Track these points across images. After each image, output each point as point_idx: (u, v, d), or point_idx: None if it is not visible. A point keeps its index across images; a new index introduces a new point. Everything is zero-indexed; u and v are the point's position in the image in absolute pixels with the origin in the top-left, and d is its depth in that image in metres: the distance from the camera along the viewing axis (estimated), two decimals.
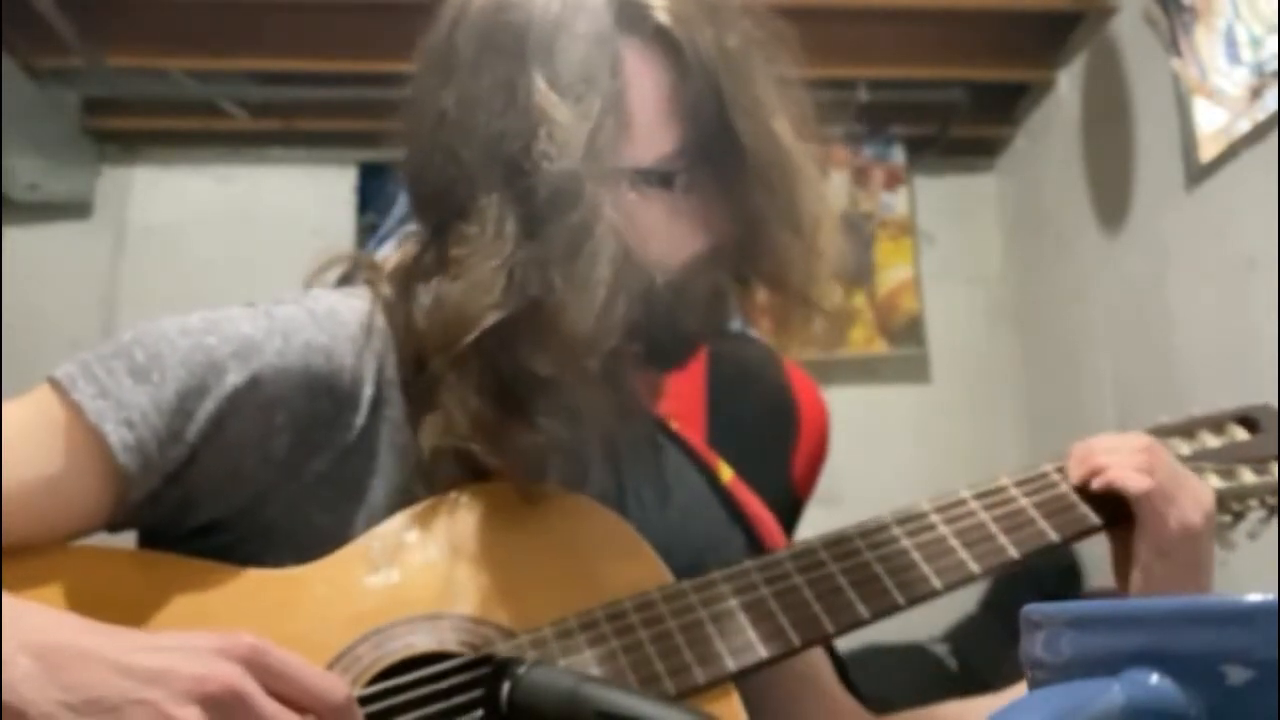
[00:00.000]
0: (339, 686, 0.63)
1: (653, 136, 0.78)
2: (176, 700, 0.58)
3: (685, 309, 0.80)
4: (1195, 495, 0.85)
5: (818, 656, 0.94)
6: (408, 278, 0.82)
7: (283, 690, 0.61)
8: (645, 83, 0.78)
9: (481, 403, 0.77)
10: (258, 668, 0.61)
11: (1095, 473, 0.86)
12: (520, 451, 0.78)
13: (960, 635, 2.82)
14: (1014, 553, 0.83)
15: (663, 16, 0.78)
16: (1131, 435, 0.90)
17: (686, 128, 0.78)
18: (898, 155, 3.36)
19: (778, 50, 0.81)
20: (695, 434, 1.18)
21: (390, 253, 0.88)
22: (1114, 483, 0.85)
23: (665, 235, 0.79)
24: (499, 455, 0.78)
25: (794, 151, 0.79)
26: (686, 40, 0.77)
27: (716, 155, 0.78)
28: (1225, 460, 0.93)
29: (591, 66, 0.76)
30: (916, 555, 0.82)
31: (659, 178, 0.78)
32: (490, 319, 0.74)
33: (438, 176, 0.81)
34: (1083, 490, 0.87)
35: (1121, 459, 0.86)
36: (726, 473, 1.05)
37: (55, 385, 0.74)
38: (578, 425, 0.79)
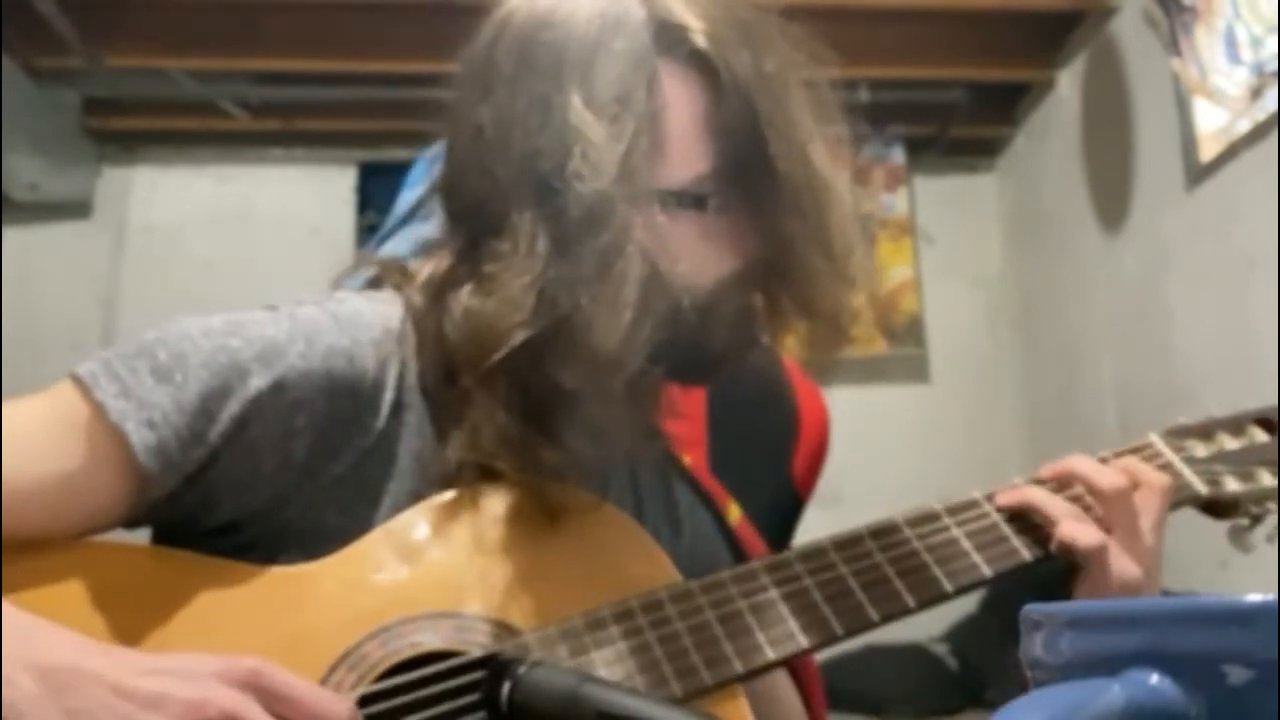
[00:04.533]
0: (341, 706, 0.64)
1: (686, 158, 0.78)
2: None
3: (714, 329, 0.80)
4: (1140, 555, 0.83)
5: (780, 681, 0.93)
6: (440, 289, 0.82)
7: (284, 712, 0.62)
8: (680, 105, 0.78)
9: (509, 419, 0.78)
10: (258, 690, 0.61)
11: (1046, 517, 0.84)
12: (546, 468, 0.78)
13: (960, 635, 2.82)
14: (1026, 555, 0.83)
15: (700, 40, 0.77)
16: (1111, 470, 0.86)
17: (720, 150, 0.78)
18: (898, 155, 3.36)
19: (815, 72, 0.81)
20: (696, 435, 1.18)
21: (413, 256, 0.88)
22: (1063, 540, 0.83)
23: (696, 256, 0.78)
24: (524, 472, 0.79)
25: (827, 176, 0.79)
26: (723, 64, 0.77)
27: (750, 178, 0.78)
28: (1243, 462, 0.91)
29: (628, 87, 0.76)
30: (928, 557, 0.82)
31: (691, 199, 0.78)
32: (519, 337, 0.75)
33: (473, 191, 0.81)
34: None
35: (1069, 508, 0.84)
36: (735, 513, 1.04)
37: (77, 382, 0.74)
38: (603, 443, 0.79)
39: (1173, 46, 2.38)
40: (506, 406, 0.78)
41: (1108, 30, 2.71)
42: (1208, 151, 2.28)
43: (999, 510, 0.85)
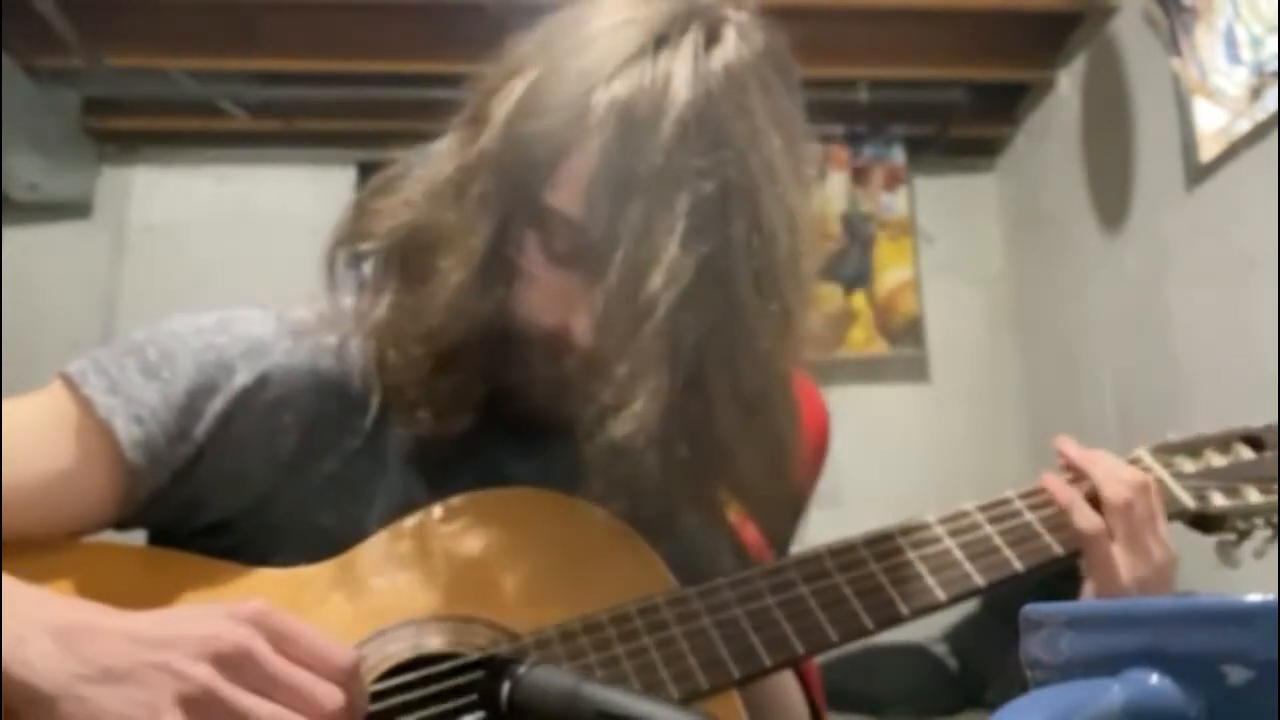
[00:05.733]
0: (345, 650, 0.64)
1: (569, 198, 0.74)
2: (188, 660, 0.59)
3: (527, 372, 0.77)
4: (1154, 564, 0.84)
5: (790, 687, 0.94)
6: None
7: (290, 652, 0.62)
8: (592, 145, 0.73)
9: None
10: (265, 629, 0.62)
11: (1065, 502, 0.86)
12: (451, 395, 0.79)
13: (960, 635, 2.82)
14: (1018, 566, 0.84)
15: (654, 105, 0.72)
16: (1130, 471, 0.88)
17: (595, 213, 0.73)
18: (898, 155, 3.36)
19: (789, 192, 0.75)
20: None
21: None
22: (1070, 514, 0.85)
23: (551, 304, 0.75)
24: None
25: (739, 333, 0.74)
26: (647, 140, 0.72)
27: (610, 262, 0.72)
28: (1230, 479, 0.93)
29: (569, 98, 0.73)
30: (921, 567, 0.82)
31: (560, 223, 0.74)
32: (396, 236, 0.78)
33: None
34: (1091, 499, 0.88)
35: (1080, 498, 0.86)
36: (734, 508, 1.04)
37: (66, 380, 0.74)
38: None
39: (1173, 46, 2.38)
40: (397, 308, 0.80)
41: (1108, 30, 2.71)
42: (1208, 151, 2.27)
43: (992, 522, 0.86)
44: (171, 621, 0.62)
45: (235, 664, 0.59)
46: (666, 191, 0.71)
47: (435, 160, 0.79)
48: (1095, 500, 0.87)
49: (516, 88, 0.75)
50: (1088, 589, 0.86)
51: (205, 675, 0.58)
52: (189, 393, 0.74)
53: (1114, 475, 0.87)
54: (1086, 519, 0.85)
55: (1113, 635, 0.37)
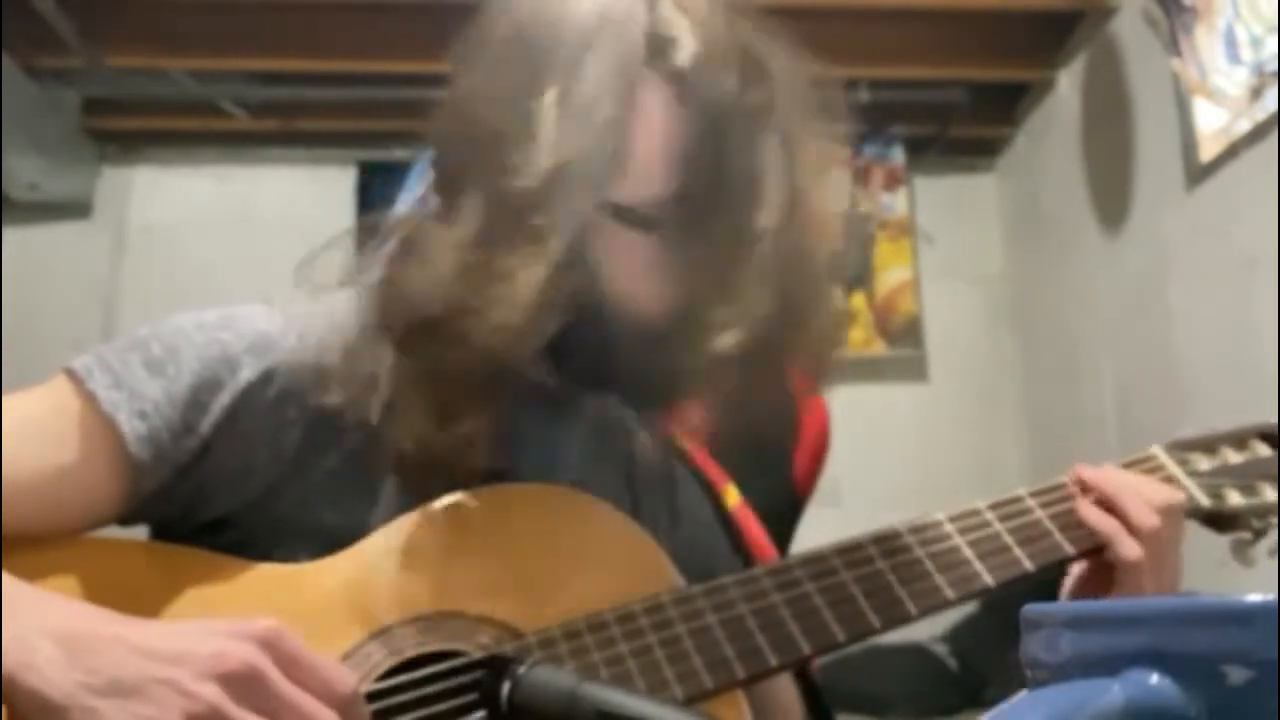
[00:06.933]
0: (347, 678, 0.64)
1: (645, 176, 0.75)
2: (196, 678, 0.59)
3: (658, 356, 0.77)
4: (1170, 580, 0.85)
5: (787, 693, 0.93)
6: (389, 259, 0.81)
7: (294, 675, 0.62)
8: (652, 121, 0.75)
9: (417, 395, 0.77)
10: (273, 650, 0.62)
11: (1108, 533, 0.86)
12: (464, 437, 0.77)
13: (960, 635, 2.82)
14: (1029, 565, 0.83)
15: (684, 58, 0.75)
16: (1158, 492, 0.87)
17: (683, 177, 0.75)
18: (898, 155, 3.36)
19: (815, 108, 0.78)
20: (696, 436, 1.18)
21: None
22: (1112, 544, 0.85)
23: (640, 279, 0.76)
24: (427, 448, 0.77)
25: (803, 218, 0.76)
26: (701, 88, 0.75)
27: (710, 214, 0.75)
28: (1247, 476, 0.92)
29: (603, 90, 0.74)
30: (929, 565, 0.82)
31: (642, 219, 0.75)
32: (423, 311, 0.74)
33: (441, 162, 0.82)
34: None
35: (1124, 523, 0.86)
36: (733, 497, 1.04)
37: (71, 375, 0.75)
38: (511, 419, 0.79)
39: (1173, 46, 2.38)
40: (414, 381, 0.77)
41: (1108, 30, 2.71)
42: (1208, 151, 2.27)
43: (1003, 520, 0.86)
44: (180, 636, 0.62)
45: (242, 684, 0.60)
46: (725, 129, 0.75)
47: (457, 223, 0.76)
48: (1105, 507, 0.86)
49: (546, 111, 0.74)
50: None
51: (213, 694, 0.59)
52: (193, 388, 0.75)
53: (1144, 500, 0.86)
54: (1131, 549, 0.84)
55: (1113, 635, 0.37)
